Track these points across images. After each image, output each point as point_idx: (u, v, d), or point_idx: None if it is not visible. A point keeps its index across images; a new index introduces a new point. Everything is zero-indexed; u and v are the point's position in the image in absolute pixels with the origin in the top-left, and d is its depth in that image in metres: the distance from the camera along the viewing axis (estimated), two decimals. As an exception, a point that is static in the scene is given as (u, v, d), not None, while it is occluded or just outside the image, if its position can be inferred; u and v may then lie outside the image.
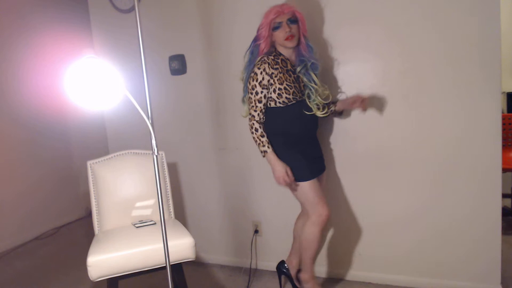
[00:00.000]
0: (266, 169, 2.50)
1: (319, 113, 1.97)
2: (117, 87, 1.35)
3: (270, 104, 1.96)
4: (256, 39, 1.98)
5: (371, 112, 2.20)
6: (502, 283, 2.07)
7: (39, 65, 3.64)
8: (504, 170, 2.56)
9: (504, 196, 2.87)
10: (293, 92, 1.91)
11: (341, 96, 2.22)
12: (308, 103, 1.95)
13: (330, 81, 2.21)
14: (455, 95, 2.02)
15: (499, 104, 1.96)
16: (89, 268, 1.76)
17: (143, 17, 2.23)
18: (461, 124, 2.03)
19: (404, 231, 2.23)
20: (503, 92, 3.82)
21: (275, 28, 1.91)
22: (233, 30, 2.45)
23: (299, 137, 1.98)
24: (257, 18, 2.15)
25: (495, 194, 2.02)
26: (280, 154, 1.96)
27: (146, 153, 2.29)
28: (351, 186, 2.31)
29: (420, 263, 2.22)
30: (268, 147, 1.93)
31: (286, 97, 1.91)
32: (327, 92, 2.00)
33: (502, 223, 2.06)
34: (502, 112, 2.34)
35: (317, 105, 1.97)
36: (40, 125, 3.72)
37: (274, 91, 1.91)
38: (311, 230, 1.99)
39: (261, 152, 1.96)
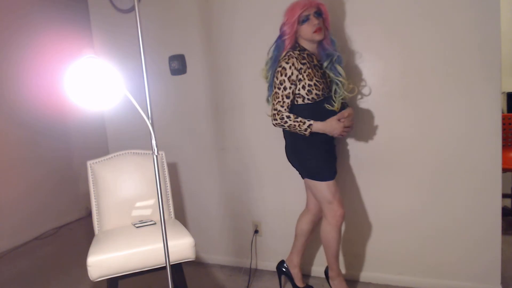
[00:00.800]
0: (266, 169, 2.51)
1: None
2: (117, 87, 1.35)
3: (297, 101, 1.93)
4: (281, 36, 1.95)
5: (371, 112, 2.20)
6: (502, 283, 2.07)
7: (39, 65, 3.64)
8: (504, 170, 2.56)
9: (504, 196, 2.87)
10: (323, 88, 1.90)
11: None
12: (334, 98, 1.93)
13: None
14: (455, 95, 2.02)
15: (499, 104, 1.96)
16: (89, 268, 1.76)
17: (143, 17, 2.23)
18: (461, 124, 2.03)
19: (404, 231, 2.23)
20: (503, 92, 3.82)
21: (303, 21, 1.88)
22: (233, 30, 2.45)
23: (326, 134, 1.95)
24: (258, 18, 2.16)
25: (495, 194, 2.02)
26: (306, 150, 1.96)
27: (146, 153, 2.29)
28: (349, 186, 2.32)
29: (420, 263, 2.23)
30: (308, 120, 1.88)
31: (316, 93, 1.89)
32: (351, 86, 1.99)
33: (502, 223, 2.05)
34: (502, 112, 2.34)
35: (343, 99, 1.95)
36: (40, 125, 3.72)
37: (303, 87, 1.89)
38: (327, 229, 2.00)
39: (305, 130, 1.88)
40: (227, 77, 2.52)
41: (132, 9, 2.69)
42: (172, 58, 2.63)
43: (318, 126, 1.89)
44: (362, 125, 2.23)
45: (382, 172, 2.23)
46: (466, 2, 1.93)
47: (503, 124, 3.00)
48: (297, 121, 1.88)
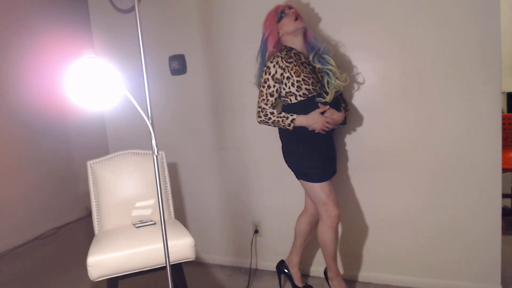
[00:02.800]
0: (266, 169, 2.51)
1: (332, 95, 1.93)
2: (117, 87, 1.35)
3: (290, 100, 1.94)
4: (262, 39, 2.01)
5: (371, 113, 2.20)
6: (502, 283, 2.07)
7: (39, 65, 3.64)
8: (504, 170, 2.56)
9: (504, 196, 2.87)
10: (312, 82, 1.90)
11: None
12: (327, 89, 1.93)
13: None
14: (455, 95, 2.02)
15: (499, 104, 1.96)
16: (89, 268, 1.76)
17: (143, 17, 2.23)
18: (461, 124, 2.03)
19: (404, 231, 2.23)
20: (503, 92, 3.82)
21: (280, 18, 1.94)
22: (233, 30, 2.45)
23: (320, 135, 1.96)
24: (258, 18, 2.15)
25: (495, 194, 2.02)
26: (298, 152, 1.97)
27: (146, 153, 2.29)
28: (350, 186, 2.32)
29: (420, 263, 2.22)
30: (291, 115, 1.91)
31: (306, 88, 1.89)
32: (344, 75, 1.99)
33: (502, 223, 2.05)
34: (502, 112, 2.34)
35: (336, 89, 1.94)
36: (40, 125, 3.72)
37: (293, 84, 1.90)
38: (323, 230, 2.01)
39: (289, 125, 1.91)
40: (227, 77, 2.52)
41: (132, 9, 2.69)
42: (172, 58, 2.63)
43: (301, 120, 1.91)
44: (361, 125, 2.23)
45: (382, 172, 2.23)
46: (466, 2, 1.93)
47: (503, 124, 3.00)
48: (280, 117, 1.91)
